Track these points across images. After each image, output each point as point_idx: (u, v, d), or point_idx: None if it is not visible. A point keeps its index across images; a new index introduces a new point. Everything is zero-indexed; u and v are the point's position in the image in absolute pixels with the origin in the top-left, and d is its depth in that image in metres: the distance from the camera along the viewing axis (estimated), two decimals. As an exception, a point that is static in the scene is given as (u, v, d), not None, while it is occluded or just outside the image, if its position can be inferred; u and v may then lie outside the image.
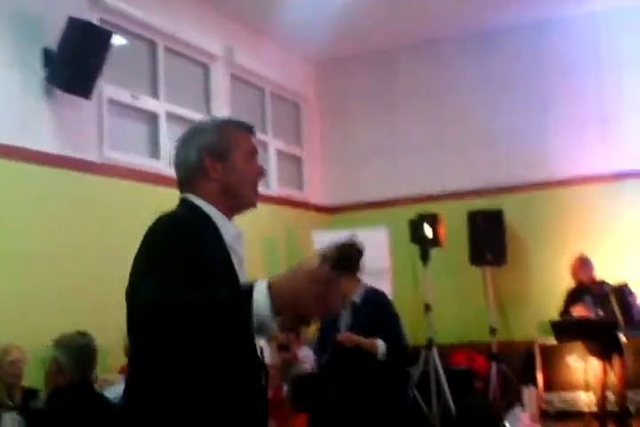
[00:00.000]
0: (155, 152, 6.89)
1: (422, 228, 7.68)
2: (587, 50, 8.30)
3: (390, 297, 7.45)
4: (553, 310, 7.13)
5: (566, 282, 7.24)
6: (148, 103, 6.86)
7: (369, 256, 7.59)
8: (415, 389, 7.17)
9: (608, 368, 6.74)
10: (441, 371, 7.20)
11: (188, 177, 2.27)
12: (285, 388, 4.50)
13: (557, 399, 7.44)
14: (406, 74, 9.06)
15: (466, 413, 6.76)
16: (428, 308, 7.55)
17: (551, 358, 7.60)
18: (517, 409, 6.42)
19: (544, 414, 7.39)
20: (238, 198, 2.30)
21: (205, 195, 2.24)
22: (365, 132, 9.15)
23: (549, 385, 7.54)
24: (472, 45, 8.78)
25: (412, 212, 7.97)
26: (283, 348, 4.65)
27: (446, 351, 7.74)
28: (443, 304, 7.81)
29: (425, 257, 7.67)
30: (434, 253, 7.75)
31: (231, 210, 2.31)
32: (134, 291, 2.01)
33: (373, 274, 7.53)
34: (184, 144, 2.28)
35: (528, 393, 7.37)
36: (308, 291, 1.85)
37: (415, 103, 8.98)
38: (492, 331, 7.81)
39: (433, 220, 7.74)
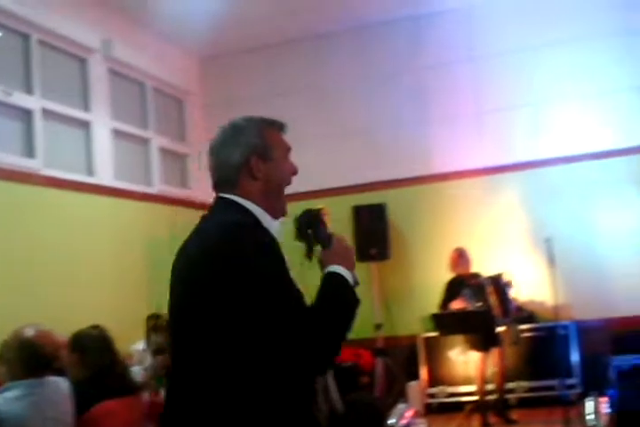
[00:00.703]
0: (29, 151, 6.60)
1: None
2: (462, 45, 8.47)
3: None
4: (436, 304, 7.26)
5: (447, 275, 7.38)
6: (21, 99, 6.57)
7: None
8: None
9: (487, 360, 6.89)
10: (327, 368, 7.21)
11: (230, 177, 2.24)
12: (163, 392, 4.37)
13: (441, 393, 7.59)
14: (290, 68, 9.02)
15: (352, 409, 6.78)
16: (312, 305, 7.55)
17: (434, 352, 7.73)
18: (402, 405, 6.48)
19: (428, 408, 7.55)
20: (279, 198, 2.38)
21: (249, 195, 2.24)
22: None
23: (433, 379, 7.68)
24: (351, 40, 8.81)
25: (298, 208, 7.92)
26: (159, 352, 4.52)
27: (333, 348, 7.77)
28: (330, 301, 7.83)
29: (309, 254, 7.64)
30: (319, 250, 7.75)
31: (272, 209, 2.35)
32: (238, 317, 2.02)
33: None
34: (224, 144, 2.26)
35: (412, 388, 7.49)
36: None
37: (299, 98, 8.96)
38: (378, 326, 7.89)
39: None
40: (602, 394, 6.00)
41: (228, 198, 2.24)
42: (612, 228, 7.77)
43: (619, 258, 7.70)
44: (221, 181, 2.27)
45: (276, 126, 2.36)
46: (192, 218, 8.03)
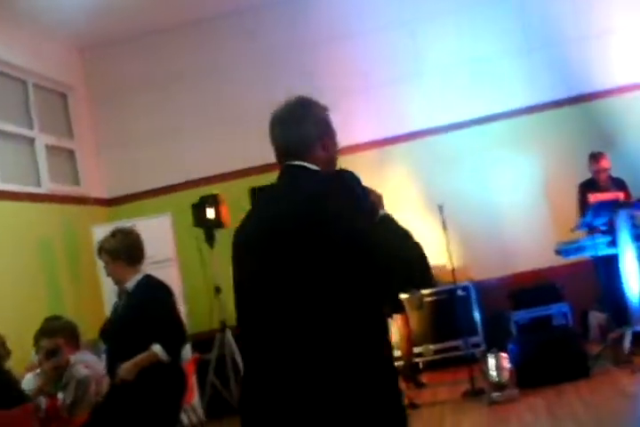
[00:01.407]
0: None
1: (204, 210, 7.63)
2: (350, 18, 8.49)
3: (179, 284, 7.43)
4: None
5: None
6: None
7: (153, 245, 7.48)
8: (213, 374, 7.18)
9: (392, 327, 6.94)
10: (236, 353, 7.22)
11: (305, 147, 2.47)
12: (60, 395, 4.31)
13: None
14: (175, 56, 8.88)
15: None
16: (218, 291, 7.53)
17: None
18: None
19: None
20: (333, 168, 2.54)
21: (317, 163, 2.46)
22: (140, 117, 8.90)
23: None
24: (235, 21, 8.72)
25: (194, 195, 7.90)
26: (51, 354, 4.43)
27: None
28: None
29: (210, 240, 7.63)
30: (220, 234, 7.74)
31: None
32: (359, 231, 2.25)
33: (159, 262, 7.44)
34: (299, 119, 2.51)
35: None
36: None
37: (187, 85, 8.84)
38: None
39: (214, 201, 7.70)
40: (503, 349, 6.16)
41: (302, 166, 2.46)
42: (501, 190, 7.98)
43: (509, 218, 7.91)
44: (294, 151, 2.49)
45: (327, 108, 2.60)
46: (85, 215, 7.95)
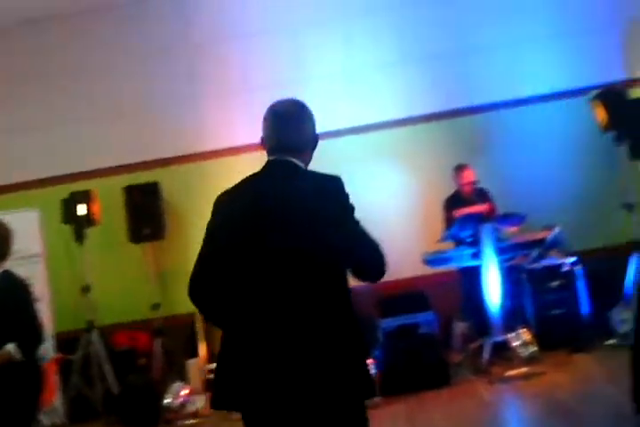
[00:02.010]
0: None
1: (75, 206, 7.47)
2: (235, 21, 8.46)
3: (45, 281, 7.24)
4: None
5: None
6: None
7: (20, 240, 7.25)
8: (78, 374, 7.04)
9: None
10: (102, 353, 7.11)
11: (302, 146, 2.82)
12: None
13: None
14: (55, 45, 8.59)
15: (127, 391, 6.74)
16: (86, 289, 7.39)
17: (213, 328, 7.77)
18: (177, 384, 6.51)
19: (208, 384, 7.60)
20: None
21: (304, 161, 2.83)
22: (11, 107, 8.58)
23: (213, 355, 7.73)
24: (120, 14, 8.54)
25: (65, 191, 7.72)
26: None
27: (109, 332, 7.66)
28: (103, 284, 7.68)
29: (79, 237, 7.48)
30: (91, 232, 7.59)
31: None
32: (343, 229, 2.72)
33: (25, 258, 7.23)
34: (303, 119, 2.84)
35: (192, 365, 7.51)
36: None
37: (62, 78, 8.58)
38: (155, 307, 7.81)
39: (86, 197, 7.56)
40: (370, 355, 6.30)
41: (293, 162, 2.80)
42: (372, 199, 8.11)
43: (380, 227, 7.93)
44: (291, 147, 2.81)
45: None
46: None
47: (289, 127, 2.83)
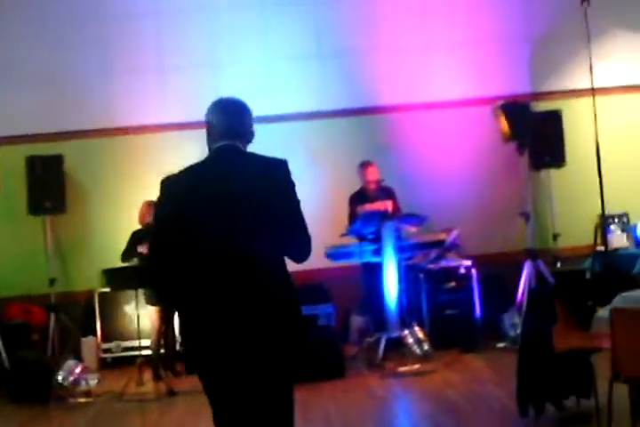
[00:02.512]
0: None
1: (-27, 173, 7.25)
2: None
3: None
4: (115, 258, 7.19)
5: (127, 228, 7.36)
6: None
7: None
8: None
9: (162, 314, 6.96)
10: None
11: (246, 135, 3.24)
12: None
13: (115, 348, 7.63)
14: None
15: (19, 367, 6.62)
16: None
17: (110, 307, 7.73)
18: (71, 361, 6.45)
19: (103, 363, 7.56)
20: None
21: (245, 147, 3.25)
22: None
23: (108, 334, 7.68)
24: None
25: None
26: None
27: (2, 305, 7.50)
28: (-1, 255, 7.51)
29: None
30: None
31: None
32: (292, 207, 3.11)
33: None
34: (248, 113, 3.28)
35: (87, 343, 7.44)
36: None
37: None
38: (52, 282, 7.68)
39: (-14, 165, 7.34)
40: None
41: (239, 146, 3.21)
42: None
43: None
44: (239, 134, 3.23)
45: None
46: None
47: (237, 117, 3.25)
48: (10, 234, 7.95)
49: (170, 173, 3.23)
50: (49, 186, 7.76)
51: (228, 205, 3.06)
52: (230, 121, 3.23)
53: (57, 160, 7.89)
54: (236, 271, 3.01)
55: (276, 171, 3.15)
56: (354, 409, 5.62)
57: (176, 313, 6.91)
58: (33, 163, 7.83)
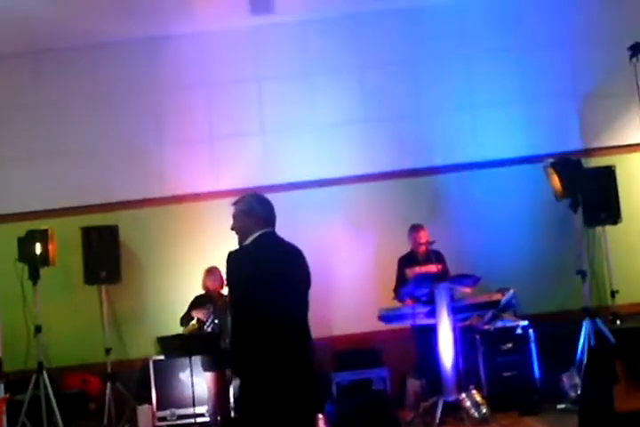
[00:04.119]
0: None
1: (31, 245, 7.39)
2: (198, 69, 8.59)
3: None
4: (171, 325, 7.24)
5: (182, 295, 7.44)
6: None
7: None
8: (25, 415, 6.90)
9: (219, 380, 6.91)
10: (52, 395, 6.99)
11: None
12: None
13: (170, 416, 7.59)
14: (19, 83, 8.62)
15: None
16: (38, 330, 7.28)
17: (165, 375, 7.69)
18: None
19: (157, 431, 7.54)
20: None
21: None
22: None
23: (164, 402, 7.63)
24: (87, 56, 8.60)
25: (22, 228, 7.64)
26: None
27: (59, 375, 7.55)
28: (55, 325, 7.60)
29: (34, 276, 7.40)
30: (46, 272, 7.51)
31: None
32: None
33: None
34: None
35: (143, 412, 7.41)
36: None
37: (26, 113, 8.58)
38: (107, 351, 7.74)
39: (43, 237, 7.49)
40: (323, 410, 6.32)
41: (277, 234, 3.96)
42: (332, 254, 8.23)
43: (337, 282, 8.17)
44: (274, 223, 3.96)
45: None
46: None
47: (273, 209, 3.97)
48: (67, 304, 8.07)
49: (232, 250, 3.85)
50: (104, 256, 7.89)
51: (286, 286, 3.75)
52: (272, 211, 3.95)
53: (112, 230, 8.04)
54: (296, 342, 3.70)
55: (302, 255, 3.94)
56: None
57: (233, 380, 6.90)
58: (88, 233, 7.99)
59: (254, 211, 3.91)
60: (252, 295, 3.68)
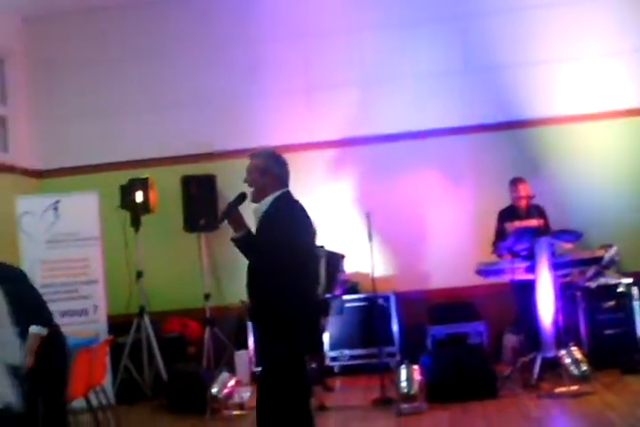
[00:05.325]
0: None
1: (133, 193, 7.55)
2: (293, 19, 8.52)
3: (101, 264, 7.34)
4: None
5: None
6: None
7: (79, 222, 7.39)
8: (127, 357, 7.13)
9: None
10: (153, 339, 7.19)
11: None
12: None
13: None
14: (119, 32, 8.75)
15: (176, 379, 6.81)
16: (140, 275, 7.48)
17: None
18: (225, 374, 6.55)
19: (254, 377, 7.63)
20: None
21: None
22: (79, 91, 8.75)
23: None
24: (184, 5, 8.65)
25: (125, 177, 7.81)
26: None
27: (159, 319, 7.75)
28: (156, 271, 7.79)
29: (136, 223, 7.57)
30: (147, 219, 7.68)
31: None
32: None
33: (83, 240, 7.34)
34: None
35: (240, 357, 7.56)
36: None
37: (129, 63, 8.73)
38: (206, 296, 7.90)
39: (144, 185, 7.64)
40: (416, 362, 6.32)
41: None
42: (430, 206, 8.16)
43: (435, 234, 8.13)
44: (287, 184, 4.10)
45: None
46: (10, 184, 7.76)
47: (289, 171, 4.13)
48: (167, 250, 8.25)
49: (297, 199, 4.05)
50: (203, 204, 8.00)
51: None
52: (288, 172, 4.08)
53: (210, 179, 8.15)
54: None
55: None
56: (507, 430, 5.43)
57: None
58: (188, 182, 8.11)
59: (271, 169, 3.99)
60: (306, 253, 3.94)
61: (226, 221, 4.07)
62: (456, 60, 8.36)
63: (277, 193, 3.98)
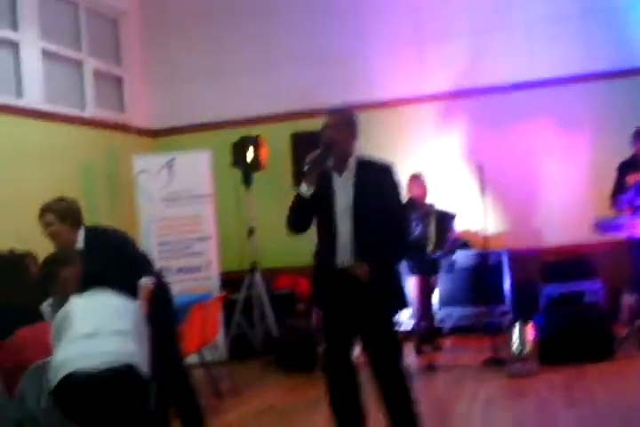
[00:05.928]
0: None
1: (244, 151, 7.59)
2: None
3: (213, 221, 7.46)
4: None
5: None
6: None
7: (192, 180, 7.53)
8: (240, 313, 7.26)
9: (425, 286, 6.90)
10: (264, 295, 7.29)
11: None
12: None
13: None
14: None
15: (286, 335, 6.90)
16: (251, 232, 7.56)
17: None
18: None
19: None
20: None
21: None
22: (190, 50, 8.86)
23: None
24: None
25: (236, 135, 7.87)
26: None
27: (271, 275, 7.84)
28: (267, 228, 7.84)
29: (247, 180, 7.63)
30: (258, 176, 7.73)
31: None
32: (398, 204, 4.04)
33: (196, 197, 7.48)
34: None
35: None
36: None
37: (241, 22, 8.74)
38: (316, 254, 7.92)
39: (255, 142, 7.66)
40: (529, 321, 6.16)
41: None
42: (545, 158, 7.88)
43: (550, 188, 7.85)
44: None
45: None
46: (127, 143, 7.96)
47: None
48: (278, 208, 8.14)
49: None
50: (313, 162, 7.97)
51: None
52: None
53: (319, 136, 8.08)
54: None
55: None
56: (624, 392, 5.20)
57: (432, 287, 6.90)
58: (297, 139, 8.11)
59: (357, 130, 3.94)
60: None
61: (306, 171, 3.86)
62: (572, 3, 7.94)
63: (357, 154, 3.89)
